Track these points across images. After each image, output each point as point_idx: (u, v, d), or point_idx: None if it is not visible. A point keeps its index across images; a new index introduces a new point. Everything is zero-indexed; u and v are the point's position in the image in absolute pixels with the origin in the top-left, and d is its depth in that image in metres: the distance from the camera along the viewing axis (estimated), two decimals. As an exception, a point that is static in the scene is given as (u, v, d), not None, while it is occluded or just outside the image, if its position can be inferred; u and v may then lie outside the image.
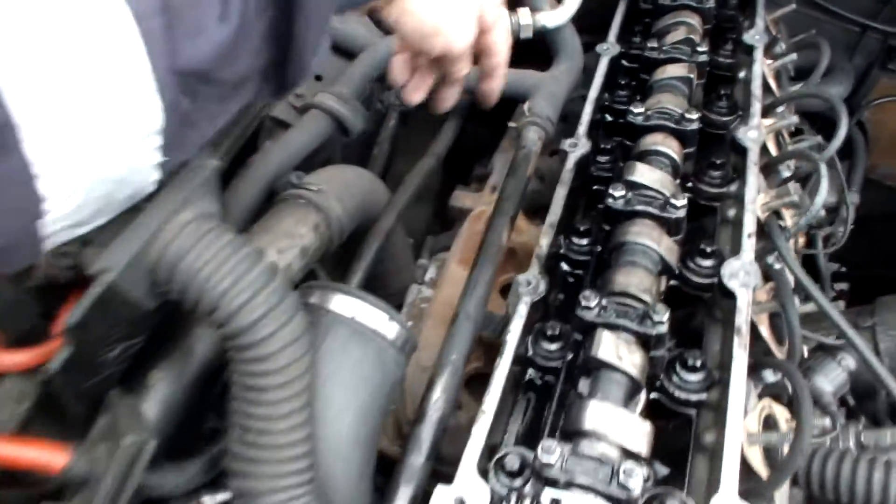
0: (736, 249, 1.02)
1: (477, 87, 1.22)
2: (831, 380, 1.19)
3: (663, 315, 0.87)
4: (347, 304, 0.81)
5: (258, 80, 0.76)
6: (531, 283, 0.98)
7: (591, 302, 0.88)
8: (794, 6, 1.46)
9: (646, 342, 0.89)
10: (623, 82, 1.34)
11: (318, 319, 0.80)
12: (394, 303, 1.41)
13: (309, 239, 1.04)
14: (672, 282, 1.02)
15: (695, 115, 1.13)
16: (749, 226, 1.03)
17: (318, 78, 1.39)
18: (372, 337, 0.81)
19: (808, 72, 1.48)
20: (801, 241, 1.47)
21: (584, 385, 0.86)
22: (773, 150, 1.29)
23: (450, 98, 1.21)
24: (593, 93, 1.30)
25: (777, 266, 1.08)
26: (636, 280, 0.92)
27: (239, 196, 1.12)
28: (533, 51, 1.40)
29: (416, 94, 1.18)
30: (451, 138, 1.42)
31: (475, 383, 1.13)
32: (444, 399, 0.88)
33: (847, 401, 1.27)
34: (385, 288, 1.38)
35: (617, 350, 0.85)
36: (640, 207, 1.01)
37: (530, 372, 0.96)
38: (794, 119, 1.22)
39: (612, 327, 0.88)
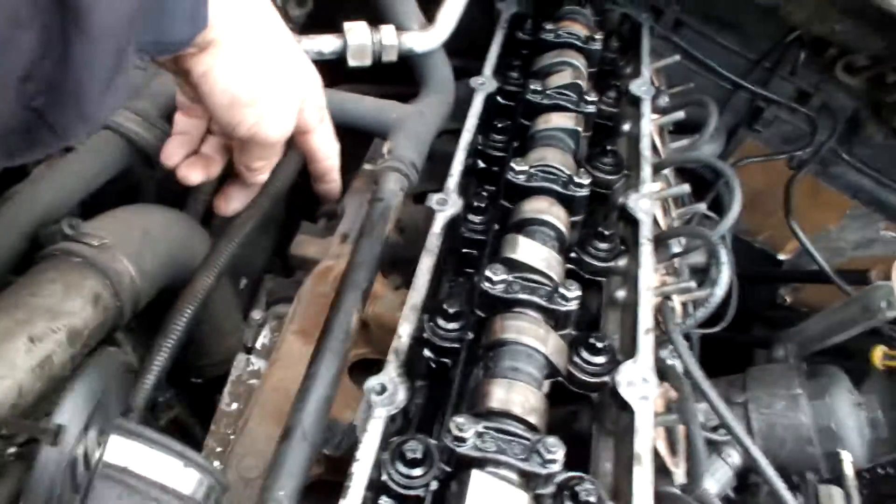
0: (629, 347, 0.87)
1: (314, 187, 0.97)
2: (718, 479, 1.08)
3: (557, 452, 0.68)
4: (118, 451, 0.54)
5: (15, 136, 0.50)
6: (387, 391, 0.75)
7: (465, 431, 0.68)
8: (678, 58, 1.36)
9: (533, 479, 0.70)
10: (500, 125, 1.15)
11: (76, 476, 0.53)
12: (217, 373, 1.13)
13: (84, 316, 0.76)
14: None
15: (586, 180, 0.96)
16: (646, 320, 0.87)
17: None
18: (157, 497, 0.54)
19: (686, 125, 1.39)
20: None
21: (454, 547, 0.65)
22: (660, 216, 1.17)
23: (237, 200, 0.91)
24: (466, 137, 1.10)
25: (670, 361, 0.94)
26: (520, 397, 0.73)
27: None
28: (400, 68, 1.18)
29: (193, 173, 0.84)
30: (294, 172, 1.15)
31: (315, 491, 0.88)
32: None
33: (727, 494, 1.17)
34: (206, 356, 1.11)
35: (495, 500, 0.65)
36: (523, 296, 0.82)
37: (384, 500, 0.74)
38: (686, 188, 1.09)
39: (492, 463, 0.68)
